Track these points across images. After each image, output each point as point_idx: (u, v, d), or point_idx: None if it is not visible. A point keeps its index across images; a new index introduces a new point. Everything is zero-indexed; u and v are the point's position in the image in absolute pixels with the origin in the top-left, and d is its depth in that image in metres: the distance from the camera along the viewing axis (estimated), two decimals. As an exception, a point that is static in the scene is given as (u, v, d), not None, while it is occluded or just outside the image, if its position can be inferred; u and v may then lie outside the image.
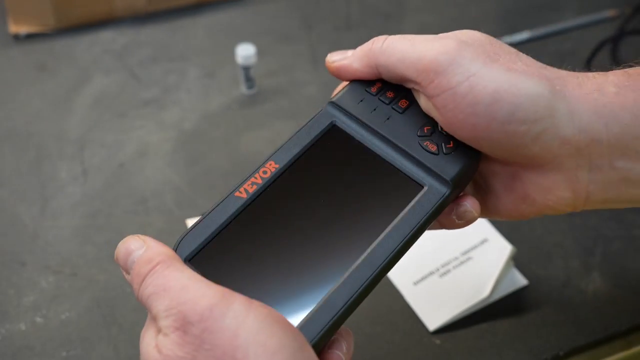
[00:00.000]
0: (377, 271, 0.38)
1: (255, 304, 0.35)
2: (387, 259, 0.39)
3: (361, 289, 0.38)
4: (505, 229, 0.62)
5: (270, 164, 0.42)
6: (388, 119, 0.43)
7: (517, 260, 0.60)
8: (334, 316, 0.37)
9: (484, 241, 0.61)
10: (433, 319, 0.57)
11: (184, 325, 0.34)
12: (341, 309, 0.37)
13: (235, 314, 0.34)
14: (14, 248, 0.63)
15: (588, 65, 0.77)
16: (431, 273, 0.60)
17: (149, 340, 0.36)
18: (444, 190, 0.41)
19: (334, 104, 0.44)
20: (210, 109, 0.75)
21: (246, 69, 0.74)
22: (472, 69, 0.39)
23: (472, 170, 0.42)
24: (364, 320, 0.57)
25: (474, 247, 0.61)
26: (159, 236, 0.42)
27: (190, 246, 0.39)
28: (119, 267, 0.63)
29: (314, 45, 0.82)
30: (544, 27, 0.81)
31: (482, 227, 0.62)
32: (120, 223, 0.64)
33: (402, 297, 0.59)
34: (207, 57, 0.80)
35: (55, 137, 0.72)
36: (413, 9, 0.86)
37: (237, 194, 0.41)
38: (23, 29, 0.82)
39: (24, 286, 0.60)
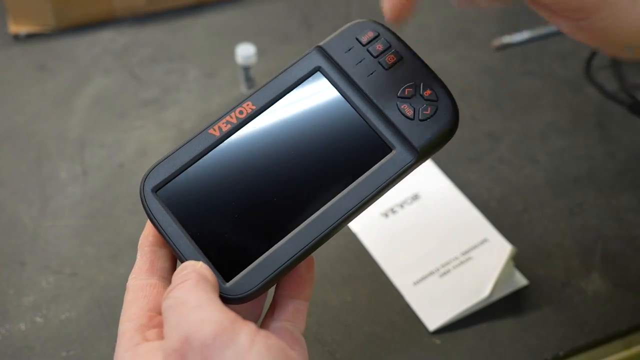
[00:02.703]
0: (328, 229, 0.40)
1: (261, 334, 0.35)
2: (341, 218, 0.40)
3: (310, 244, 0.39)
4: (505, 229, 0.62)
5: (247, 105, 0.42)
6: (372, 73, 0.42)
7: (517, 260, 0.60)
8: (279, 267, 0.39)
9: (484, 241, 0.61)
10: (433, 319, 0.57)
11: (183, 347, 0.34)
12: (286, 261, 0.39)
13: (238, 348, 0.33)
14: (14, 248, 0.63)
15: (588, 65, 0.77)
16: (431, 273, 0.60)
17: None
18: (410, 158, 0.41)
19: (321, 48, 0.43)
20: (210, 109, 0.75)
21: (246, 69, 0.74)
22: None
23: (443, 141, 0.42)
24: (364, 320, 0.57)
25: (474, 247, 0.61)
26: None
27: (158, 177, 0.41)
28: (119, 266, 0.63)
29: (313, 45, 0.81)
30: (544, 27, 0.81)
31: (482, 227, 0.62)
32: (120, 223, 0.64)
33: (402, 297, 0.59)
34: (207, 57, 0.80)
35: (55, 137, 0.72)
36: (413, 9, 0.86)
37: (210, 131, 0.41)
38: (23, 29, 0.82)
39: (24, 286, 0.60)
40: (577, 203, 0.65)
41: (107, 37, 0.82)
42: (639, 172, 0.68)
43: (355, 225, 0.63)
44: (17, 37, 0.82)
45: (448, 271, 0.60)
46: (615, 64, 0.77)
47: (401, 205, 0.64)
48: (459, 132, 0.74)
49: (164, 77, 0.78)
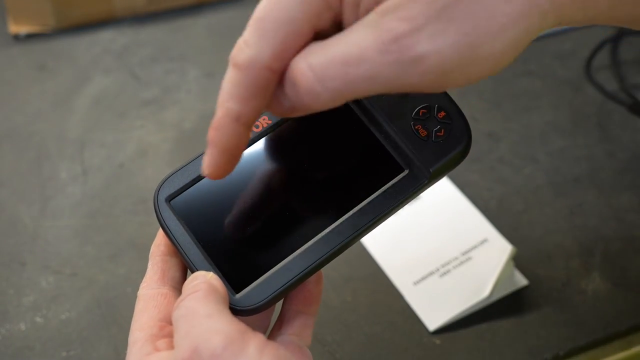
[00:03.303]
0: (338, 246, 0.40)
1: (270, 346, 0.35)
2: (351, 236, 0.40)
3: (320, 260, 0.39)
4: (505, 229, 0.62)
5: (264, 119, 0.42)
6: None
7: (517, 260, 0.60)
8: (288, 281, 0.39)
9: (484, 241, 0.61)
10: (433, 319, 0.57)
11: (193, 357, 0.34)
12: (296, 276, 0.39)
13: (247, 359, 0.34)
14: (14, 248, 0.63)
15: (588, 65, 0.77)
16: (431, 273, 0.60)
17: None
18: (422, 179, 0.41)
19: None
20: (210, 109, 0.75)
21: (246, 69, 0.74)
22: None
23: (455, 163, 0.42)
24: (364, 320, 0.57)
25: (474, 247, 0.61)
26: (159, 236, 0.42)
27: (173, 187, 0.41)
28: (119, 266, 0.63)
29: (314, 45, 0.82)
30: (544, 27, 0.81)
31: (482, 227, 0.62)
32: (120, 223, 0.64)
33: (402, 297, 0.59)
34: (207, 57, 0.80)
35: (55, 137, 0.72)
36: (413, 9, 0.86)
37: None
38: (23, 29, 0.82)
39: (24, 286, 0.60)
40: (577, 203, 0.65)
41: (107, 37, 0.82)
42: (639, 172, 0.68)
43: (355, 225, 0.63)
44: (17, 37, 0.82)
45: (448, 271, 0.60)
46: (615, 64, 0.77)
47: (401, 205, 0.64)
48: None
49: (164, 77, 0.78)
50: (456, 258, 0.60)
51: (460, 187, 0.66)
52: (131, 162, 0.70)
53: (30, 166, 0.69)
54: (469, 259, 0.60)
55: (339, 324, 0.57)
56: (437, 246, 0.61)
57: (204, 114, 0.74)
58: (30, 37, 0.82)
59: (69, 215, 0.65)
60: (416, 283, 0.59)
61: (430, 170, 0.41)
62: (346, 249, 0.40)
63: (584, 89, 0.75)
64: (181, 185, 0.41)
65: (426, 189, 0.42)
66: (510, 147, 0.70)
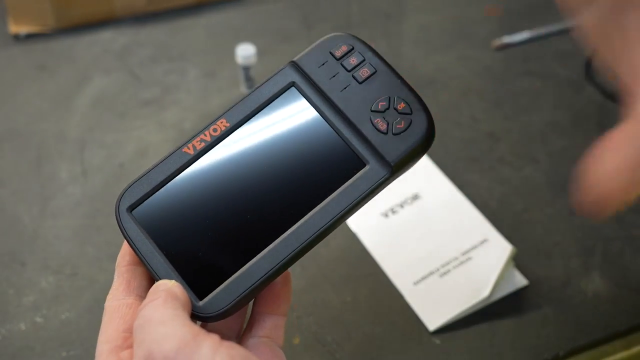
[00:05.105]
0: (302, 246, 0.39)
1: (224, 345, 0.35)
2: (315, 234, 0.40)
3: (283, 261, 0.39)
4: (505, 229, 0.62)
5: (221, 122, 0.42)
6: (345, 88, 0.42)
7: (517, 260, 0.60)
8: (252, 285, 0.39)
9: (484, 241, 0.61)
10: (433, 319, 0.57)
11: None
12: (260, 278, 0.39)
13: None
14: (14, 248, 0.63)
15: (588, 65, 0.77)
16: (431, 273, 0.60)
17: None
18: (384, 172, 0.40)
19: (295, 64, 0.43)
20: (210, 109, 0.75)
21: (246, 69, 0.74)
22: None
23: (418, 155, 0.41)
24: (364, 320, 0.57)
25: (474, 247, 0.61)
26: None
27: (133, 197, 0.41)
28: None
29: (314, 45, 0.82)
30: (544, 27, 0.81)
31: (482, 227, 0.62)
32: (120, 223, 0.64)
33: (402, 297, 0.59)
34: (207, 57, 0.80)
35: (55, 137, 0.72)
36: (413, 9, 0.86)
37: (184, 149, 0.41)
38: (23, 29, 0.82)
39: (24, 286, 0.60)
40: (577, 203, 0.65)
41: (107, 37, 0.82)
42: (639, 172, 0.68)
43: (355, 225, 0.63)
44: (17, 37, 0.82)
45: (448, 271, 0.60)
46: (615, 64, 0.77)
47: (401, 205, 0.64)
48: (459, 132, 0.75)
49: (164, 77, 0.78)
50: (456, 258, 0.60)
51: (460, 187, 0.66)
52: (131, 162, 0.70)
53: (30, 166, 0.69)
54: (469, 259, 0.60)
55: (339, 324, 0.57)
56: (437, 246, 0.61)
57: (204, 114, 0.74)
58: (30, 37, 0.82)
59: (69, 215, 0.65)
60: (416, 283, 0.59)
61: (392, 164, 0.40)
62: (312, 247, 0.40)
63: (584, 89, 0.75)
64: (142, 194, 0.41)
65: (389, 183, 0.41)
66: (510, 147, 0.70)
